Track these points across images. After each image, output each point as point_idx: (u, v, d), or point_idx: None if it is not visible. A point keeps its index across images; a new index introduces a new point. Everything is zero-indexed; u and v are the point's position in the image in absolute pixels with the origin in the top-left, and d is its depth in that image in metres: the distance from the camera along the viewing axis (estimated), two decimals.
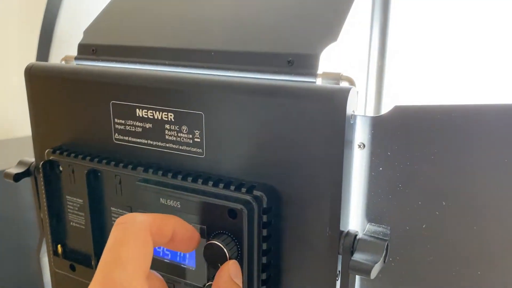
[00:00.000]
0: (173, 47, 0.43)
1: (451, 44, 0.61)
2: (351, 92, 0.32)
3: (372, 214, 0.36)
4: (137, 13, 0.49)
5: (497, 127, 0.32)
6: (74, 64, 0.48)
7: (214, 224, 0.36)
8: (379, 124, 0.34)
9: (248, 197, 0.35)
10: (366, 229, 0.36)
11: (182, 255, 0.39)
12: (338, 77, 0.35)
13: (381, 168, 0.35)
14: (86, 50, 0.47)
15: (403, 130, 0.33)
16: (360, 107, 0.66)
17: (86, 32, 0.49)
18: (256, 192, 0.35)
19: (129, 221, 0.29)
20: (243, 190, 0.35)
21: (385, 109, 0.41)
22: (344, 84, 0.35)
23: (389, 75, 0.65)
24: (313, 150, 0.34)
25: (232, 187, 0.35)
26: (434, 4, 0.62)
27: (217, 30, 0.42)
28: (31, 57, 0.95)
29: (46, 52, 0.95)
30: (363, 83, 0.65)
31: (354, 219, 0.37)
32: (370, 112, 0.67)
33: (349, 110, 0.32)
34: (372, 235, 0.35)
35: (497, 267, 0.33)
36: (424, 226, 0.35)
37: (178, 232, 0.32)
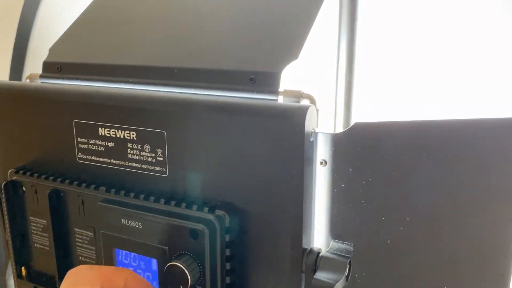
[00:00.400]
0: (137, 64, 0.42)
1: (419, 58, 0.62)
2: (309, 110, 0.32)
3: (336, 230, 0.36)
4: (102, 31, 0.48)
5: (457, 143, 0.32)
6: (39, 82, 0.47)
7: (177, 245, 0.35)
8: (339, 141, 0.34)
9: (210, 217, 0.34)
10: (329, 246, 0.36)
11: (145, 275, 0.38)
12: (299, 95, 0.35)
13: (343, 185, 0.35)
14: (51, 68, 0.47)
15: (363, 147, 0.34)
16: (330, 123, 0.67)
17: (51, 50, 0.48)
18: (219, 212, 0.35)
19: (79, 272, 0.31)
20: (205, 209, 0.35)
21: None
22: (304, 102, 0.35)
23: (357, 91, 0.66)
24: (274, 168, 0.34)
25: (194, 207, 0.35)
26: (401, 18, 0.63)
27: (181, 48, 0.42)
28: (3, 75, 0.93)
29: (19, 69, 0.94)
30: (332, 99, 0.65)
31: (319, 236, 0.36)
32: (340, 129, 0.67)
33: (308, 128, 0.32)
34: (335, 252, 0.35)
35: (462, 280, 0.34)
36: (388, 241, 0.35)
37: (129, 285, 0.33)
